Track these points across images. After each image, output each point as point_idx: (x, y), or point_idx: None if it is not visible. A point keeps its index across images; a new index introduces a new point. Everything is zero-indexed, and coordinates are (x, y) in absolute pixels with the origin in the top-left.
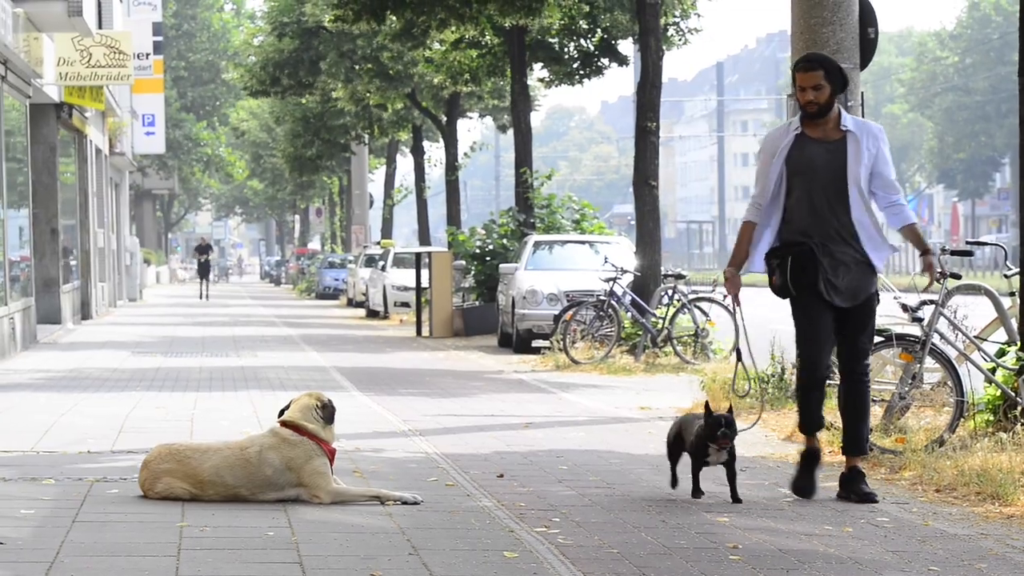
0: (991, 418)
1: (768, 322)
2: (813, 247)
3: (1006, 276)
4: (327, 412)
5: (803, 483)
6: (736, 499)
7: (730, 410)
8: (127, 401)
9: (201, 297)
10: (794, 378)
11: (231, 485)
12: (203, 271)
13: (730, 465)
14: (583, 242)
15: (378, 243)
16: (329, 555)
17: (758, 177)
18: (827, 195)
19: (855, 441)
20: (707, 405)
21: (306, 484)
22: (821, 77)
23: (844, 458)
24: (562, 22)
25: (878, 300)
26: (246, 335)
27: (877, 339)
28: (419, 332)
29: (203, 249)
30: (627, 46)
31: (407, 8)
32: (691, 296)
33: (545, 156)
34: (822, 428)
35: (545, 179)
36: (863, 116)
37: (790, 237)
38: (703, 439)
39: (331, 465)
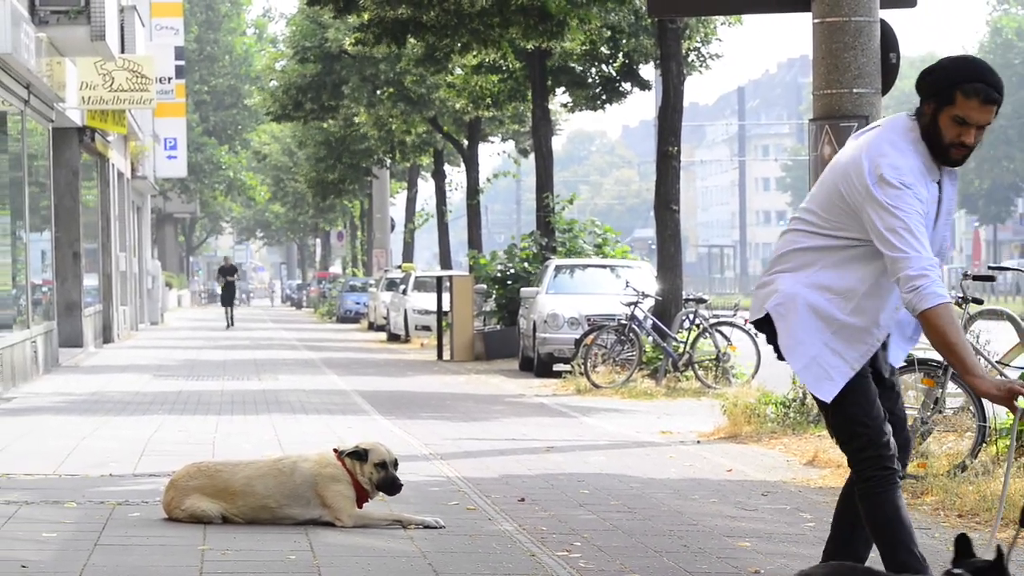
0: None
1: None
2: None
3: None
4: (380, 477)
5: None
6: None
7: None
8: (149, 424)
9: (228, 326)
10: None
11: (260, 495)
12: (228, 296)
13: None
14: (604, 266)
15: (399, 267)
16: None
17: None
18: None
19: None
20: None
21: (329, 505)
22: (994, 113)
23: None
24: (584, 47)
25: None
26: (267, 358)
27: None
28: (440, 356)
29: (227, 271)
30: (649, 70)
31: (428, 32)
32: (712, 320)
33: (566, 180)
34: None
35: (567, 203)
36: None
37: None
38: None
39: (359, 504)
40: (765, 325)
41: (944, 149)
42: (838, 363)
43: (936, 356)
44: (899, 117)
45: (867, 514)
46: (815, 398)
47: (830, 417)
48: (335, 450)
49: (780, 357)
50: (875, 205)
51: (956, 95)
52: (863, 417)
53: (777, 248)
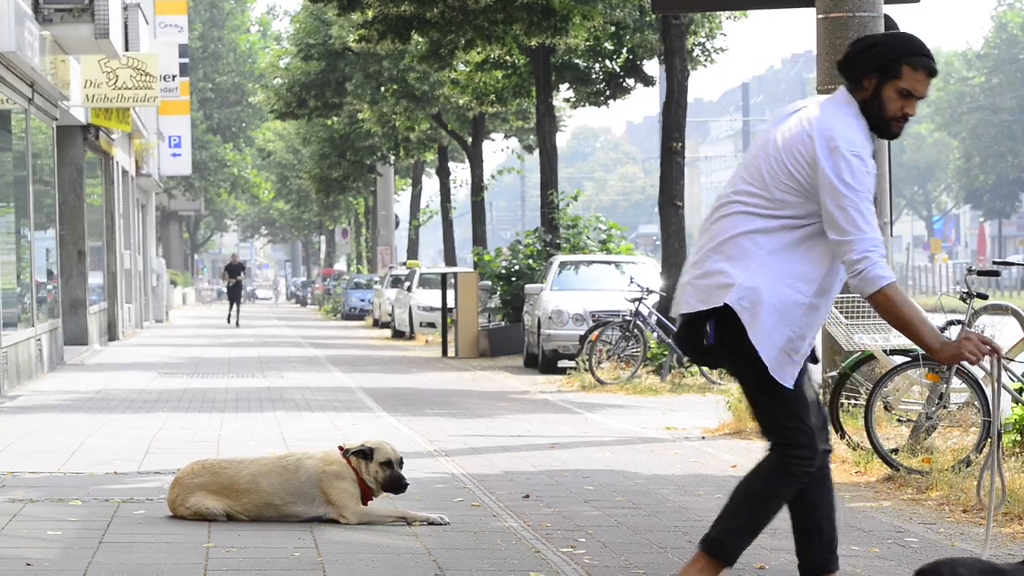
0: (1018, 438)
1: None
2: None
3: None
4: (385, 476)
5: None
6: None
7: None
8: (154, 422)
9: (229, 321)
10: None
11: (265, 492)
12: (234, 295)
13: None
14: (609, 262)
15: (404, 264)
16: None
17: (869, 207)
18: None
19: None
20: None
21: (333, 502)
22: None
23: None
24: (588, 43)
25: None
26: (272, 356)
27: (903, 359)
28: (445, 352)
29: (234, 269)
30: (653, 66)
31: (432, 28)
32: None
33: (571, 176)
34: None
35: (571, 200)
36: None
37: None
38: None
39: (363, 502)
40: (698, 321)
41: (886, 122)
42: (802, 348)
43: None
44: (836, 93)
45: (760, 492)
46: (756, 387)
47: (774, 408)
48: (340, 448)
49: (698, 359)
50: (827, 179)
51: (903, 68)
52: (804, 416)
53: (713, 234)
